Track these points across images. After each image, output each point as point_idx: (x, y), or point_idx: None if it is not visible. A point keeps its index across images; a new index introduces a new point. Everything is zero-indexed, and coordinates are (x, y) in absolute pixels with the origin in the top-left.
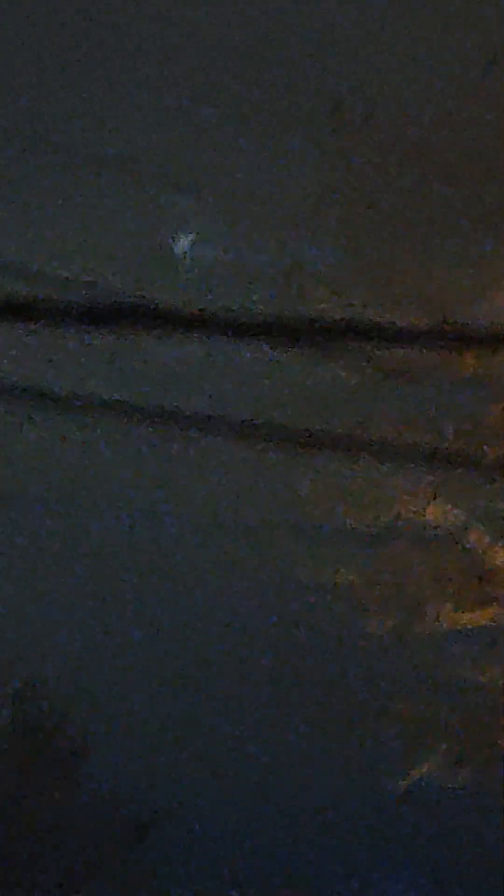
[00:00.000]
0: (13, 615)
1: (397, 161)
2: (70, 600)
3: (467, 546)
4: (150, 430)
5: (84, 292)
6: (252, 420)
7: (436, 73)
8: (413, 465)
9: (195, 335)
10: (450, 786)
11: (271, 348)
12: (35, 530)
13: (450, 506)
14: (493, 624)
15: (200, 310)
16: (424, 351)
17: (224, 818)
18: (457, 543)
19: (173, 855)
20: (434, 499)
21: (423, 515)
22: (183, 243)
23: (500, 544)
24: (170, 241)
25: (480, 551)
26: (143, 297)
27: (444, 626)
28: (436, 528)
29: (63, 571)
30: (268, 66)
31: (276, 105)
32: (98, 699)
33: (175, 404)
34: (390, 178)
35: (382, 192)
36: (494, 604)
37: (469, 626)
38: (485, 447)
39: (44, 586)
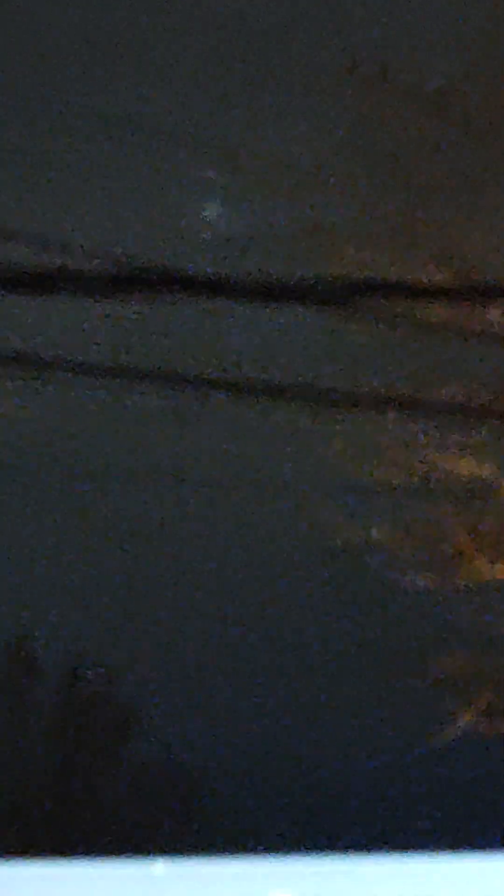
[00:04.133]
0: (58, 587)
1: (417, 116)
2: (110, 570)
3: (501, 499)
4: (180, 397)
5: (108, 261)
6: (280, 383)
7: (454, 24)
8: (442, 422)
9: (220, 301)
10: (494, 734)
11: (297, 310)
12: (75, 502)
13: (481, 460)
14: None
15: (225, 275)
16: (449, 306)
17: (261, 780)
18: (489, 497)
19: (217, 814)
20: (465, 454)
21: (455, 471)
22: (204, 209)
23: None
24: (191, 207)
25: None
26: (168, 264)
27: (480, 579)
28: (468, 483)
29: (100, 541)
30: (282, 27)
31: (292, 66)
32: (148, 666)
33: (203, 370)
34: (410, 134)
35: (403, 147)
36: None
37: None
38: None
39: (83, 558)
